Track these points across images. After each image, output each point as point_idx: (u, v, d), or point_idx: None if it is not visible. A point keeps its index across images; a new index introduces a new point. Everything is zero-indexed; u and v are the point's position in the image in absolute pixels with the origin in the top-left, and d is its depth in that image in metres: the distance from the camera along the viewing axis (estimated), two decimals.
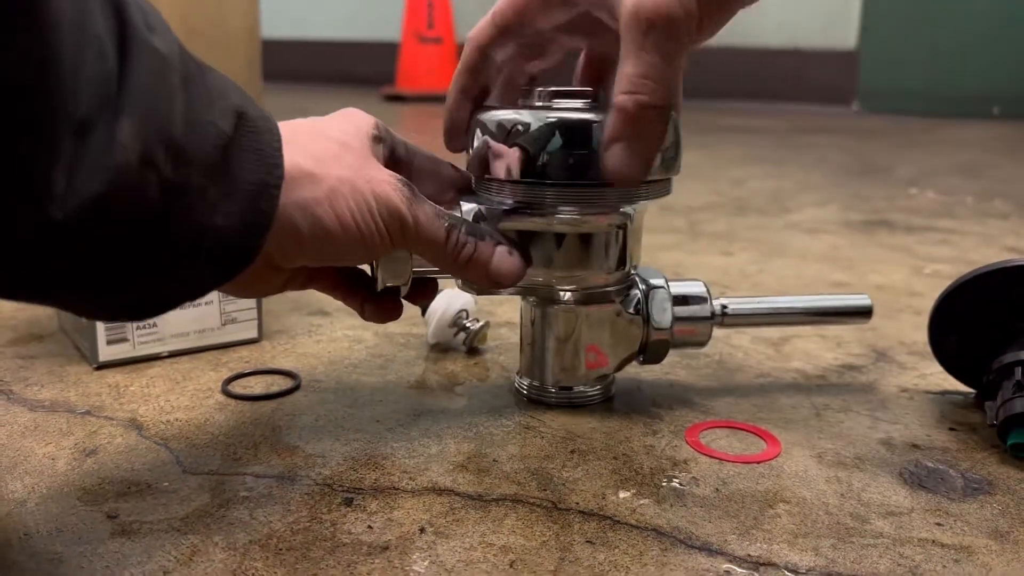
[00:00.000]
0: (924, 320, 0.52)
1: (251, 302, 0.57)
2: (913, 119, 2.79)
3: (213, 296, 0.56)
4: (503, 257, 0.42)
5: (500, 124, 0.42)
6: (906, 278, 0.82)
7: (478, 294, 0.48)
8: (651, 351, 0.49)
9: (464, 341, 0.58)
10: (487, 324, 0.58)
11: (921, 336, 0.61)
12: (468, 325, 0.57)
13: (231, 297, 0.56)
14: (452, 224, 0.40)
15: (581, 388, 0.49)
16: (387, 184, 0.38)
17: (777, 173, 1.54)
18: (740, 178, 1.48)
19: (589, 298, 0.47)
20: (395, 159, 0.44)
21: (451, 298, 0.57)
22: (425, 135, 2.02)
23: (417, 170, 0.45)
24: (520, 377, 0.51)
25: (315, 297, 0.68)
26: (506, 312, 0.67)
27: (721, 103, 3.32)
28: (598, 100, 0.43)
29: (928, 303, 0.52)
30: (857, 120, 2.81)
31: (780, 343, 0.61)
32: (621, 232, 0.46)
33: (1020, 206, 1.25)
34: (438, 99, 3.27)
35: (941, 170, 1.63)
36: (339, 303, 0.45)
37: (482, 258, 0.41)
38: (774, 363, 0.58)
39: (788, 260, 0.88)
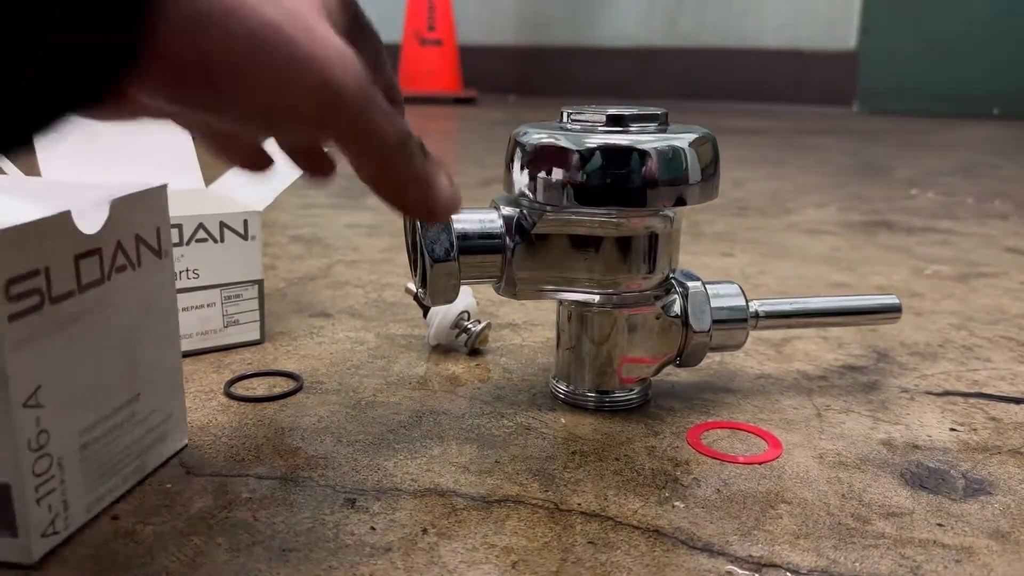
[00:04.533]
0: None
1: (254, 305, 0.57)
2: (913, 120, 2.80)
3: (216, 298, 0.56)
4: (446, 184, 0.34)
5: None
6: (906, 279, 0.82)
7: (515, 298, 0.47)
8: (689, 354, 0.49)
9: (466, 343, 0.58)
10: (489, 325, 0.58)
11: (922, 337, 0.61)
12: (470, 327, 0.57)
13: (234, 300, 0.56)
14: (405, 128, 0.31)
15: (619, 392, 0.49)
16: (332, 48, 0.26)
17: (777, 174, 1.55)
18: (740, 179, 1.48)
19: (628, 301, 0.47)
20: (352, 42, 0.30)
21: None
22: (425, 137, 2.03)
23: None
24: (556, 380, 0.51)
25: (317, 299, 0.68)
26: (508, 314, 0.67)
27: (722, 104, 3.32)
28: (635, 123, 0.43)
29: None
30: (857, 121, 2.81)
31: (781, 344, 0.61)
32: (662, 234, 0.45)
33: (1020, 207, 1.25)
34: (439, 100, 3.28)
35: (941, 171, 1.63)
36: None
37: (427, 175, 0.33)
38: (775, 364, 0.58)
39: (789, 261, 0.89)
